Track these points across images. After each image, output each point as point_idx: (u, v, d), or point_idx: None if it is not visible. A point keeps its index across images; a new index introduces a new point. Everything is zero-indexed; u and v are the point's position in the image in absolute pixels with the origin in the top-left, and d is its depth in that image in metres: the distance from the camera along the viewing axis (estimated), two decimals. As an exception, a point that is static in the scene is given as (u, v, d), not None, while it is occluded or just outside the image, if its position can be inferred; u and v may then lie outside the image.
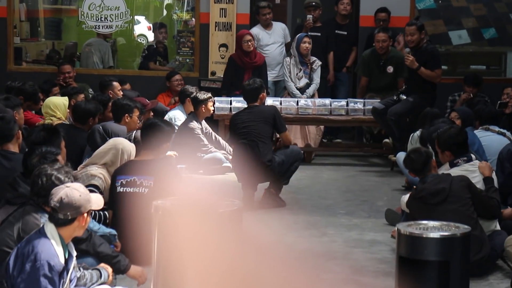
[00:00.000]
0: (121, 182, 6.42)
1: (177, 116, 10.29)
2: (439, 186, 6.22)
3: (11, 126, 6.75)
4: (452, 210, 6.06)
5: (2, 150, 6.66)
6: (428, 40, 10.42)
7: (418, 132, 8.65)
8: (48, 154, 5.57)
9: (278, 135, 8.52)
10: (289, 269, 3.28)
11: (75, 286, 4.85)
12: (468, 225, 5.41)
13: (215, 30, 11.82)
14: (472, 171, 6.63)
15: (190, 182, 6.92)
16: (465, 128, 7.66)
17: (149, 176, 6.38)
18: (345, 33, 11.76)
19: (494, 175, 6.76)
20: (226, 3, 11.77)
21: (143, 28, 14.93)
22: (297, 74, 11.06)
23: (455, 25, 12.19)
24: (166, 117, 10.23)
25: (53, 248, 4.59)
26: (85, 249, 5.32)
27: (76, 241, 5.15)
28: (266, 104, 9.17)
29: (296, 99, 10.76)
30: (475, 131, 8.43)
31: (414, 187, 6.78)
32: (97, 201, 4.89)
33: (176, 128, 10.07)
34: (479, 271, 6.12)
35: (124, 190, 6.40)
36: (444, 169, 6.74)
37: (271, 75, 11.24)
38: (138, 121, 8.13)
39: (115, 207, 6.43)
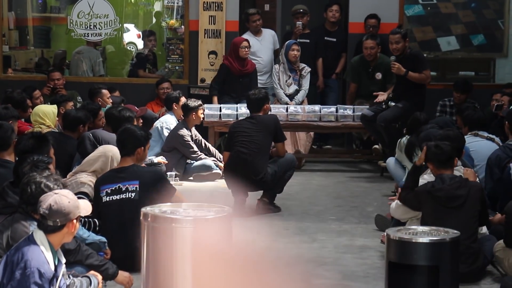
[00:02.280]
0: (106, 191, 6.40)
1: (168, 121, 10.30)
2: (459, 192, 6.16)
3: (8, 135, 6.76)
4: (458, 218, 6.04)
5: (-2, 159, 6.67)
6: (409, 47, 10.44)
7: (404, 139, 8.65)
8: (40, 163, 5.55)
9: (273, 143, 8.49)
10: (280, 275, 3.29)
11: (65, 293, 4.84)
12: (467, 235, 5.43)
13: (205, 37, 11.83)
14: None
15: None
16: None
17: (133, 181, 6.38)
18: (334, 39, 11.78)
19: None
20: (215, 10, 11.79)
21: (132, 36, 14.93)
22: (286, 81, 11.08)
23: (444, 32, 12.23)
24: (157, 123, 10.24)
25: (42, 255, 4.58)
26: (73, 261, 5.32)
27: (65, 252, 5.15)
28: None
29: (285, 106, 10.78)
30: (465, 137, 8.44)
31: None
32: (85, 207, 4.89)
33: (167, 133, 10.08)
34: (470, 279, 6.13)
35: (111, 199, 6.38)
36: (429, 172, 6.69)
37: (259, 82, 11.22)
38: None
39: (103, 217, 6.41)
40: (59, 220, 4.66)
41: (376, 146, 10.78)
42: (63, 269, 4.76)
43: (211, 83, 11.19)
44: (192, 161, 9.92)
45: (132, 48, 14.53)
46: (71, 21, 12.10)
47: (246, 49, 10.87)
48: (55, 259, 4.67)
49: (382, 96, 10.33)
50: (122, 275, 5.51)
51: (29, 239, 4.65)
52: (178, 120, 10.28)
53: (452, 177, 6.28)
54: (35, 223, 4.88)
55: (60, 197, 4.70)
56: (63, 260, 4.79)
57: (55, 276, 4.62)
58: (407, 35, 10.18)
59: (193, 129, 10.12)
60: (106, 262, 5.49)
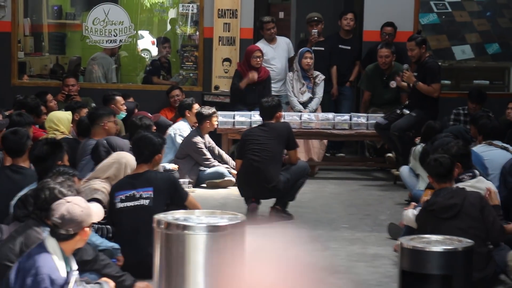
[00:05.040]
0: (121, 197, 6.42)
1: (181, 128, 10.32)
2: (452, 201, 6.15)
3: (24, 141, 6.79)
4: (460, 227, 6.00)
5: (12, 165, 6.69)
6: (430, 55, 10.44)
7: (419, 147, 8.64)
8: (65, 175, 5.53)
9: (285, 151, 8.49)
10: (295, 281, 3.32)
11: (77, 299, 4.85)
12: (474, 243, 5.40)
13: (219, 44, 11.85)
14: (480, 189, 6.55)
15: None
16: None
17: (148, 187, 6.40)
18: (349, 47, 11.78)
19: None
20: (230, 17, 11.81)
21: (147, 43, 14.99)
22: (300, 88, 11.08)
23: (459, 40, 12.21)
24: (171, 129, 10.26)
25: (54, 262, 4.59)
26: (92, 270, 5.33)
27: (83, 263, 5.15)
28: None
29: (299, 113, 10.77)
30: (479, 146, 8.43)
31: (424, 200, 6.69)
32: (97, 212, 4.89)
33: (181, 140, 10.10)
34: (483, 287, 6.10)
35: (125, 205, 6.40)
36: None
37: (273, 90, 11.21)
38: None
39: (117, 223, 6.43)
40: (72, 229, 4.67)
41: (390, 154, 10.76)
42: (75, 275, 4.76)
43: (233, 93, 11.11)
44: (205, 168, 9.93)
45: (147, 55, 14.58)
46: (86, 27, 12.14)
47: (258, 59, 10.85)
48: (67, 266, 4.68)
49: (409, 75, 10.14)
50: (139, 286, 5.50)
51: (40, 246, 4.66)
52: (191, 127, 10.29)
53: (448, 189, 6.28)
54: (48, 229, 4.89)
55: (73, 206, 4.69)
56: (75, 267, 4.80)
57: (66, 282, 4.63)
58: (423, 42, 10.15)
59: (207, 136, 10.13)
60: (123, 274, 5.48)
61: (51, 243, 4.65)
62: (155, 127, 8.79)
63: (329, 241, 7.57)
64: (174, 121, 10.75)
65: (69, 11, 13.45)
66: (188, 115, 10.40)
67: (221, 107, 10.91)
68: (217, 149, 10.25)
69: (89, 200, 5.67)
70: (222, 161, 10.16)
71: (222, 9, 11.81)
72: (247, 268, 3.26)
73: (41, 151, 6.33)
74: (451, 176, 6.42)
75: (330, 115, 10.83)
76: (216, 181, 9.85)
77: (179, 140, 10.12)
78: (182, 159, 9.88)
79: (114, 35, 12.14)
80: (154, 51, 14.23)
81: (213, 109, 10.11)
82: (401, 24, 11.53)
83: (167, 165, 9.53)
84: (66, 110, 9.33)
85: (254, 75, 10.75)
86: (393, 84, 10.99)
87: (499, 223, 6.33)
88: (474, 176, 6.70)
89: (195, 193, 9.16)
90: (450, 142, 7.02)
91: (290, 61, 11.62)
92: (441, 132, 8.46)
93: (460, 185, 6.52)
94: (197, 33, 12.23)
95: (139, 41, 13.68)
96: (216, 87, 11.82)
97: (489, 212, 6.22)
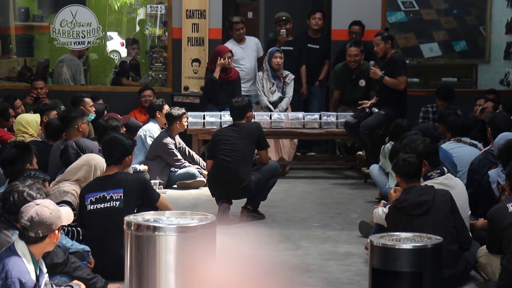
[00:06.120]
0: (91, 199, 6.40)
1: (151, 129, 10.29)
2: (422, 198, 6.18)
3: None
4: (431, 224, 6.03)
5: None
6: (396, 52, 10.49)
7: (388, 145, 8.68)
8: (36, 179, 5.50)
9: (256, 151, 8.50)
10: (264, 281, 3.33)
11: (48, 303, 4.82)
12: (445, 240, 5.45)
13: (188, 45, 11.83)
14: (449, 186, 6.58)
15: None
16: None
17: (118, 189, 6.39)
18: (317, 46, 11.81)
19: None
20: (198, 18, 11.80)
21: (115, 44, 14.93)
22: (270, 88, 11.09)
23: (426, 38, 12.29)
24: (141, 131, 10.23)
25: (24, 265, 4.56)
26: (63, 272, 5.31)
27: (53, 266, 5.13)
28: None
29: (269, 113, 10.79)
30: (448, 143, 8.49)
31: (393, 197, 6.70)
32: (67, 215, 4.87)
33: (151, 141, 10.08)
34: (453, 284, 6.13)
35: (95, 207, 6.38)
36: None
37: (243, 89, 11.22)
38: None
39: (88, 225, 6.40)
40: (41, 231, 4.65)
41: (360, 152, 10.81)
42: (45, 278, 4.74)
43: (203, 94, 11.14)
44: (176, 169, 9.92)
45: (116, 56, 14.52)
46: (54, 29, 12.07)
47: (229, 59, 10.85)
48: (36, 269, 4.66)
49: (366, 105, 10.38)
50: None
51: (10, 249, 4.64)
52: (161, 128, 10.27)
53: (418, 187, 6.31)
54: (18, 232, 4.86)
55: (42, 208, 4.67)
56: (45, 270, 4.78)
57: (37, 285, 4.61)
58: (389, 37, 10.20)
59: (177, 137, 10.12)
60: (94, 276, 5.47)
61: (20, 246, 4.63)
62: (124, 129, 8.76)
63: (300, 240, 7.59)
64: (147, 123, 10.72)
65: (36, 13, 13.36)
66: (159, 116, 10.38)
67: (191, 107, 10.89)
68: (187, 149, 10.23)
69: (58, 203, 5.65)
70: (193, 161, 10.15)
71: (190, 10, 11.80)
72: (216, 268, 3.29)
73: (9, 154, 6.30)
74: (419, 175, 6.46)
75: (300, 114, 10.85)
76: (187, 181, 9.84)
77: (149, 141, 10.10)
78: (152, 160, 9.86)
79: (82, 37, 12.08)
80: (124, 52, 14.18)
81: (183, 110, 10.09)
82: (369, 23, 11.57)
83: (138, 166, 9.50)
84: (35, 112, 9.28)
85: (224, 61, 10.75)
86: (362, 82, 11.04)
87: (467, 228, 6.39)
88: (442, 173, 6.72)
89: (166, 194, 9.14)
90: (418, 140, 7.07)
91: (259, 61, 11.63)
92: (408, 130, 8.50)
93: (429, 182, 6.55)
94: (166, 34, 12.21)
95: (108, 43, 13.62)
96: (186, 88, 11.80)
97: (458, 215, 6.27)
